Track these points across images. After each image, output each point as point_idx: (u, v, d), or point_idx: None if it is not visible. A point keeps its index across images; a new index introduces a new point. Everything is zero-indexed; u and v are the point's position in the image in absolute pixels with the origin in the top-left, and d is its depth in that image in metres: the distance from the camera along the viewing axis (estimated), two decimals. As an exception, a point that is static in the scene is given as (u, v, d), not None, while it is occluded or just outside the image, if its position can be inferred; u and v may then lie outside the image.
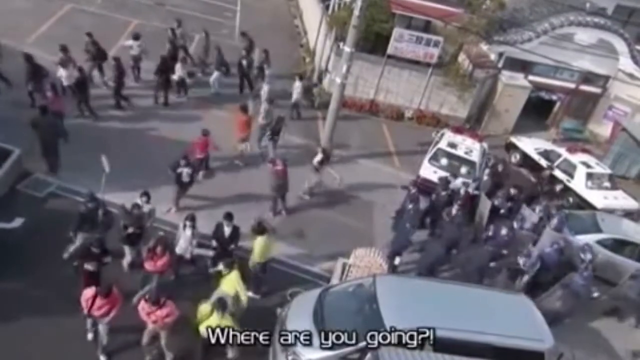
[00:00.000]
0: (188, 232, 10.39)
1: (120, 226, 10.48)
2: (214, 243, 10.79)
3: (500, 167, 16.17)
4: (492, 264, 12.20)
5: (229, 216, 10.66)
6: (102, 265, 9.35)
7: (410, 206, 12.77)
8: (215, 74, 17.61)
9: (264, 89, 16.58)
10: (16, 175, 12.07)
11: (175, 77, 16.47)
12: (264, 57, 17.90)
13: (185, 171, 12.20)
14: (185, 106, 16.84)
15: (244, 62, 17.82)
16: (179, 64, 16.64)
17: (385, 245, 12.62)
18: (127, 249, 10.64)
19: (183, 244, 10.53)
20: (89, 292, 8.47)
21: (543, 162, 18.21)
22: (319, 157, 14.18)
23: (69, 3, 18.58)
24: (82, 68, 14.77)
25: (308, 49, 22.40)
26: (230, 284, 9.33)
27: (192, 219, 10.41)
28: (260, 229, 10.67)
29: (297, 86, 17.39)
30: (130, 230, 10.33)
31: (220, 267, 9.52)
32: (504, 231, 12.48)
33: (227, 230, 10.64)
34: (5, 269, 9.58)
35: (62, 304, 9.35)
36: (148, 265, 9.84)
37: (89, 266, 9.19)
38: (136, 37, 16.70)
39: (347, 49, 14.97)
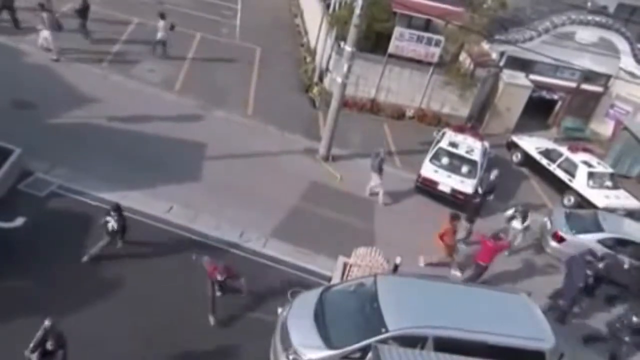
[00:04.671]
0: None
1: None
2: None
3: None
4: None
5: None
6: None
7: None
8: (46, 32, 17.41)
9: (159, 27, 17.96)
10: (17, 175, 12.05)
11: None
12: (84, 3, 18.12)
13: (112, 222, 10.46)
14: (188, 107, 16.87)
15: None
16: None
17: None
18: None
19: None
20: None
21: (544, 162, 18.21)
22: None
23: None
24: None
25: (309, 48, 22.36)
26: None
27: None
28: None
29: (161, 25, 18.24)
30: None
31: None
32: None
33: None
34: (6, 268, 9.57)
35: (62, 303, 9.37)
36: None
37: None
38: None
39: (348, 48, 14.93)
